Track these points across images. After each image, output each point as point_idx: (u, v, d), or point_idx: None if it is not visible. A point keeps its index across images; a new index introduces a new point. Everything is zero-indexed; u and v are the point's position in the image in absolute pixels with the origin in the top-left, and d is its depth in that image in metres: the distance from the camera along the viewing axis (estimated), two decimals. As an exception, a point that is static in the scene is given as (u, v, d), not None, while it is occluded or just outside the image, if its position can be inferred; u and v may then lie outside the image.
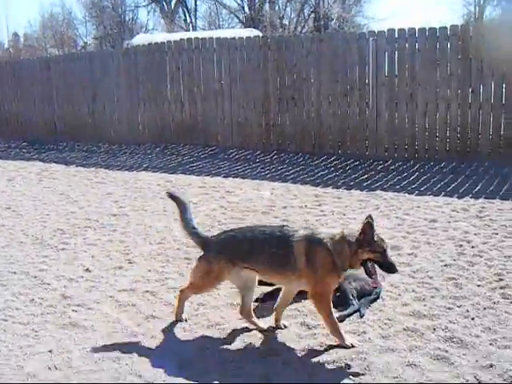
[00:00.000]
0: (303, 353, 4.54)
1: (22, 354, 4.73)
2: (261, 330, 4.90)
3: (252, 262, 4.81)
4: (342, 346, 4.50)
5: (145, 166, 13.61)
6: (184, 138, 15.57)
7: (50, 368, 4.48)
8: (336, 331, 4.57)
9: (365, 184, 10.55)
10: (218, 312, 5.36)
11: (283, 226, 5.07)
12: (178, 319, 5.17)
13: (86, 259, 7.07)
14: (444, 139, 12.15)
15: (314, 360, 4.41)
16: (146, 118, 16.46)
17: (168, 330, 5.05)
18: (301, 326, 4.98)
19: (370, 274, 4.58)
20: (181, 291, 5.20)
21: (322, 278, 4.55)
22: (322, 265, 4.53)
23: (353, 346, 4.49)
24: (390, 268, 4.51)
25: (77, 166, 13.97)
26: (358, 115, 12.95)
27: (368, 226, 4.42)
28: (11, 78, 19.59)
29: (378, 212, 8.55)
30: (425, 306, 5.28)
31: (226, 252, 4.86)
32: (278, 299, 4.96)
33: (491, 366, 4.20)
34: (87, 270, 6.68)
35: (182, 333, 4.99)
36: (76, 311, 5.54)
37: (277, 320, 4.96)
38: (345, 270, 4.60)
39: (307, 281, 4.62)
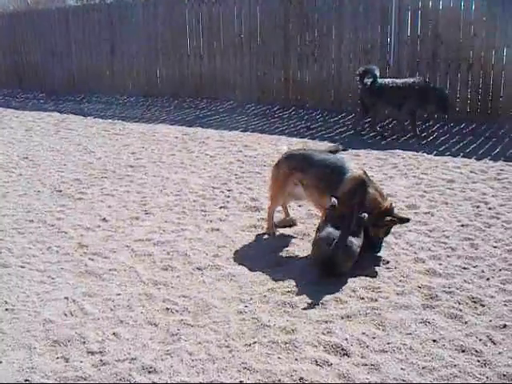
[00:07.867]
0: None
1: (39, 300, 4.82)
2: None
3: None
4: None
5: (162, 118, 13.57)
6: (202, 92, 15.51)
7: (66, 314, 4.57)
8: None
9: (383, 142, 10.45)
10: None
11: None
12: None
13: (102, 209, 7.14)
14: (465, 100, 11.96)
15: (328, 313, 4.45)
16: (164, 70, 16.38)
17: (183, 279, 5.11)
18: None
19: None
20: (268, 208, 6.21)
21: None
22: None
23: None
24: None
25: (94, 118, 13.96)
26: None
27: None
28: (30, 28, 19.45)
29: (396, 170, 8.49)
30: (440, 264, 5.27)
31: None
32: None
33: (505, 326, 4.20)
34: (104, 219, 6.75)
35: (197, 283, 5.04)
36: (92, 260, 5.62)
37: None
38: None
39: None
